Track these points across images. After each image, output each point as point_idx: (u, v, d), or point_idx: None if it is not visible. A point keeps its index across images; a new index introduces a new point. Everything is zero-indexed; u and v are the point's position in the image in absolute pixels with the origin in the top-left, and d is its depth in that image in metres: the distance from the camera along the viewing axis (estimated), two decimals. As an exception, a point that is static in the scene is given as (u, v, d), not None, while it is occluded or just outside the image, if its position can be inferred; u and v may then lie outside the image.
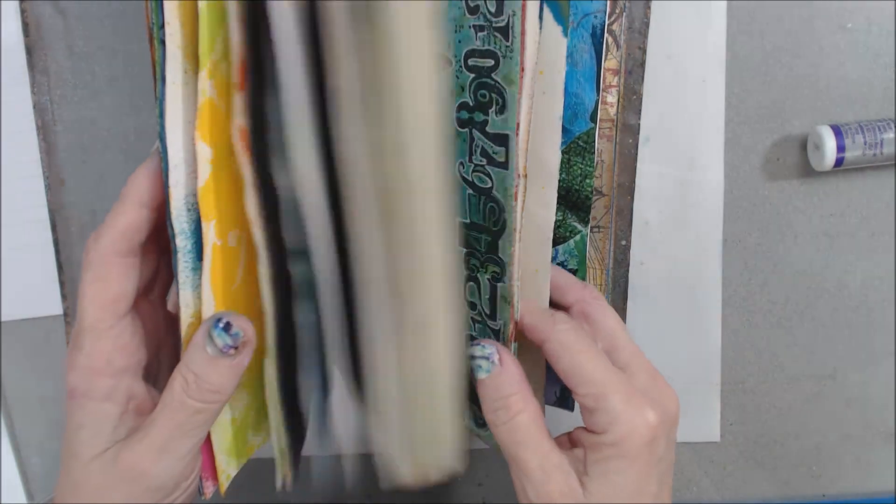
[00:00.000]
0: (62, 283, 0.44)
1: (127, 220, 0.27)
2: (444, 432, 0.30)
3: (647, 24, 0.39)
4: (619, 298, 0.42)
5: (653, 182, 0.43)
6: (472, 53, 0.30)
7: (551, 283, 0.31)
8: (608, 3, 0.37)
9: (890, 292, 0.44)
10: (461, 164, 0.31)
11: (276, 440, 0.32)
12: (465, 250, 0.32)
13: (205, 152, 0.26)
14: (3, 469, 0.47)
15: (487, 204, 0.31)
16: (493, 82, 0.29)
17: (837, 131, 0.40)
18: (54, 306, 0.45)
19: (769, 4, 0.41)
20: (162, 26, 0.25)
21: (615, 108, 0.39)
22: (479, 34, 0.29)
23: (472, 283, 0.33)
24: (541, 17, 0.28)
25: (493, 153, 0.30)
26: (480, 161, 0.30)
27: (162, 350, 0.31)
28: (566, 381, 0.29)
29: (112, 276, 0.27)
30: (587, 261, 0.40)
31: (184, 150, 0.26)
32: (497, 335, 0.32)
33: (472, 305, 0.33)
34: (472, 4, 0.29)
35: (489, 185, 0.30)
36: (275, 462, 0.33)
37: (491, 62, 0.29)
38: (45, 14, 0.42)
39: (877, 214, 0.44)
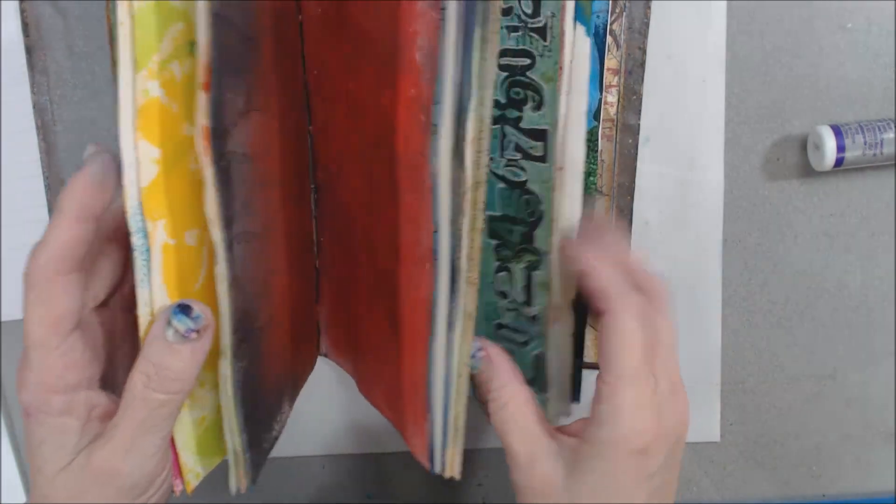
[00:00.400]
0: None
1: (64, 237, 0.26)
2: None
3: (647, 24, 0.39)
4: None
5: (653, 182, 0.43)
6: (504, 53, 0.31)
7: (623, 262, 0.30)
8: (609, 2, 0.37)
9: (890, 292, 0.44)
10: (491, 158, 0.32)
11: (230, 441, 0.31)
12: (494, 242, 0.34)
13: (149, 152, 0.26)
14: (3, 469, 0.47)
15: (522, 196, 0.32)
16: (528, 80, 0.31)
17: (837, 131, 0.40)
18: (54, 306, 0.45)
19: (769, 4, 0.41)
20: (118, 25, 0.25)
21: (615, 107, 0.39)
22: (513, 34, 0.31)
23: (504, 272, 0.34)
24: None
25: (529, 148, 0.31)
26: (514, 156, 0.32)
27: (117, 354, 0.30)
28: (601, 358, 0.28)
29: (55, 297, 0.26)
30: None
31: (134, 149, 0.26)
32: (533, 321, 0.33)
33: (504, 294, 0.34)
34: (504, 6, 0.30)
35: (523, 178, 0.32)
36: (229, 465, 0.32)
37: (527, 61, 0.31)
38: (45, 14, 0.42)
39: (877, 214, 0.44)
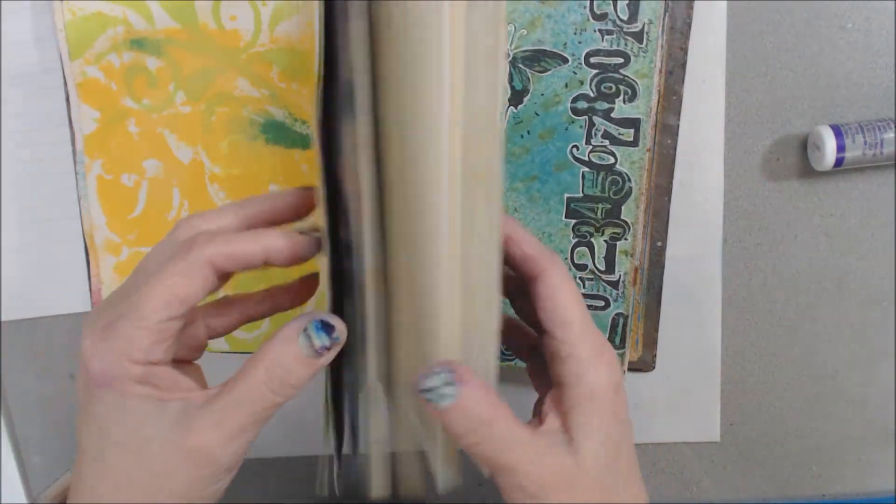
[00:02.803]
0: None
1: (250, 249, 0.27)
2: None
3: (689, 24, 0.38)
4: (653, 299, 0.42)
5: (653, 182, 0.43)
6: (595, 53, 0.37)
7: (513, 237, 0.30)
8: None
9: (890, 292, 0.44)
10: (575, 146, 0.38)
11: (326, 441, 0.31)
12: (573, 221, 0.39)
13: (89, 112, 0.41)
14: (3, 469, 0.47)
15: (609, 177, 0.38)
16: (620, 76, 0.37)
17: (837, 131, 0.40)
18: (54, 306, 0.45)
19: (769, 4, 0.41)
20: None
21: (655, 108, 0.39)
22: (607, 37, 0.37)
23: (582, 248, 0.39)
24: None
25: (619, 134, 0.37)
26: (602, 142, 0.38)
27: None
28: (548, 320, 0.28)
29: (199, 281, 0.27)
30: None
31: (78, 109, 0.40)
32: (616, 285, 0.39)
33: (583, 267, 0.39)
34: (598, 12, 0.36)
35: (612, 161, 0.38)
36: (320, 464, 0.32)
37: (620, 60, 0.37)
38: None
39: (877, 214, 0.44)
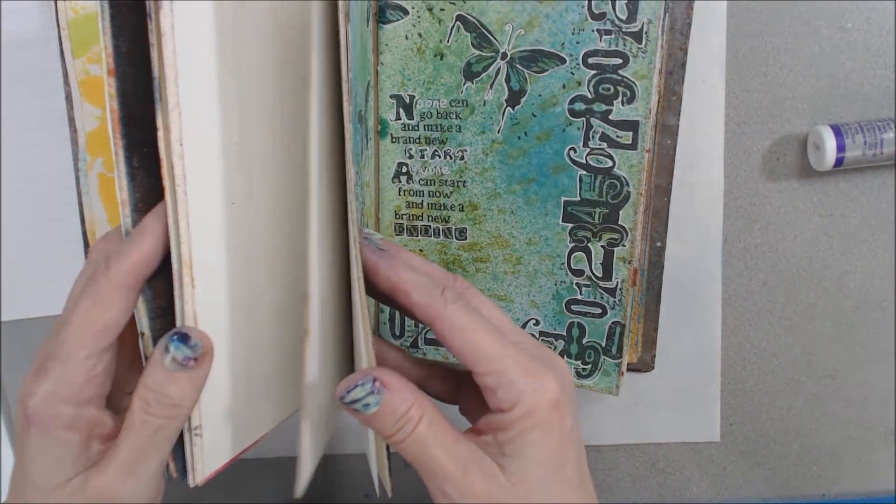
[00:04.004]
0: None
1: (144, 252, 0.26)
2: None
3: (689, 25, 0.38)
4: (653, 300, 0.42)
5: (653, 182, 0.43)
6: (593, 53, 0.36)
7: (420, 268, 0.30)
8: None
9: (890, 292, 0.44)
10: (572, 149, 0.37)
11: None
12: (570, 225, 0.38)
13: (91, 110, 0.41)
14: (2, 469, 0.47)
15: (606, 181, 0.37)
16: (619, 77, 0.36)
17: (837, 131, 0.40)
18: (54, 306, 0.45)
19: (769, 4, 0.41)
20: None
21: (654, 109, 0.39)
22: (605, 37, 0.36)
23: (579, 253, 0.38)
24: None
25: (617, 137, 0.36)
26: (599, 145, 0.37)
27: (126, 377, 0.30)
28: (462, 360, 0.28)
29: (113, 306, 0.26)
30: None
31: (80, 107, 0.41)
32: (613, 292, 0.38)
33: (579, 272, 0.38)
34: (596, 11, 0.35)
35: (610, 164, 0.37)
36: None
37: (618, 61, 0.36)
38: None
39: (877, 214, 0.44)
